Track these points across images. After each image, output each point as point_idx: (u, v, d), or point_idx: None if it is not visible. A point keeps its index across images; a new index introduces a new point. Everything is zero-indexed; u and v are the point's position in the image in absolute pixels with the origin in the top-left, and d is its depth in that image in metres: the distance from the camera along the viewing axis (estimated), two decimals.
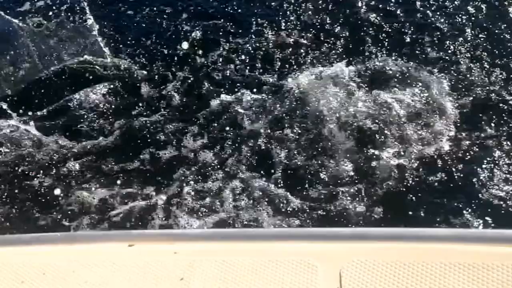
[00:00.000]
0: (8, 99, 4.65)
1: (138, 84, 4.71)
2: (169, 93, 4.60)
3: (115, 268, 1.71)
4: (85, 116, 4.46)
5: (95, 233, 1.87)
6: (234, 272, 1.65)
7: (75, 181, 3.99)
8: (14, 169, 4.11)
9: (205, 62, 4.82)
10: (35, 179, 4.05)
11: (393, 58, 4.63)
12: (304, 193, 3.72)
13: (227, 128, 4.28)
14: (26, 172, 4.09)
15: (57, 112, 4.53)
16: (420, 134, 4.02)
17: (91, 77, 4.77)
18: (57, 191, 3.90)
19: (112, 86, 4.69)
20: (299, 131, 4.18)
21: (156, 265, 1.69)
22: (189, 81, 4.69)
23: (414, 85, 4.36)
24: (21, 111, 4.54)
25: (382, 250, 1.64)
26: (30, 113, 4.51)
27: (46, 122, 4.47)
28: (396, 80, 4.42)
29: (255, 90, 4.53)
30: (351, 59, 4.66)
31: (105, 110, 4.53)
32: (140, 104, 4.55)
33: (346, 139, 4.07)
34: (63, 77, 4.83)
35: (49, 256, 1.82)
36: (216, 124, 4.31)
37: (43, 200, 3.89)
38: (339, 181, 3.77)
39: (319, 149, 4.02)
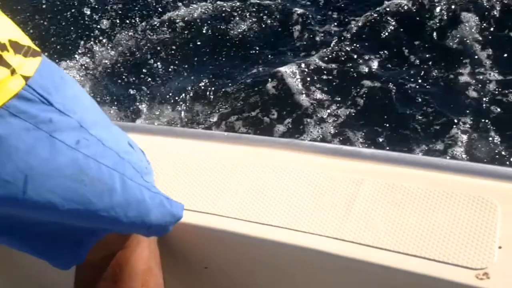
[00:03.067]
0: None
1: None
2: None
3: (281, 174, 1.76)
4: None
5: (264, 138, 1.91)
6: (403, 197, 1.63)
7: None
8: None
9: None
10: None
11: None
12: None
13: None
14: None
15: None
16: None
17: None
18: None
19: None
20: None
21: (324, 179, 1.72)
22: None
23: None
24: None
25: None
26: None
27: None
28: None
29: None
30: None
31: None
32: None
33: None
34: None
35: (215, 153, 1.91)
36: None
37: None
38: None
39: None
